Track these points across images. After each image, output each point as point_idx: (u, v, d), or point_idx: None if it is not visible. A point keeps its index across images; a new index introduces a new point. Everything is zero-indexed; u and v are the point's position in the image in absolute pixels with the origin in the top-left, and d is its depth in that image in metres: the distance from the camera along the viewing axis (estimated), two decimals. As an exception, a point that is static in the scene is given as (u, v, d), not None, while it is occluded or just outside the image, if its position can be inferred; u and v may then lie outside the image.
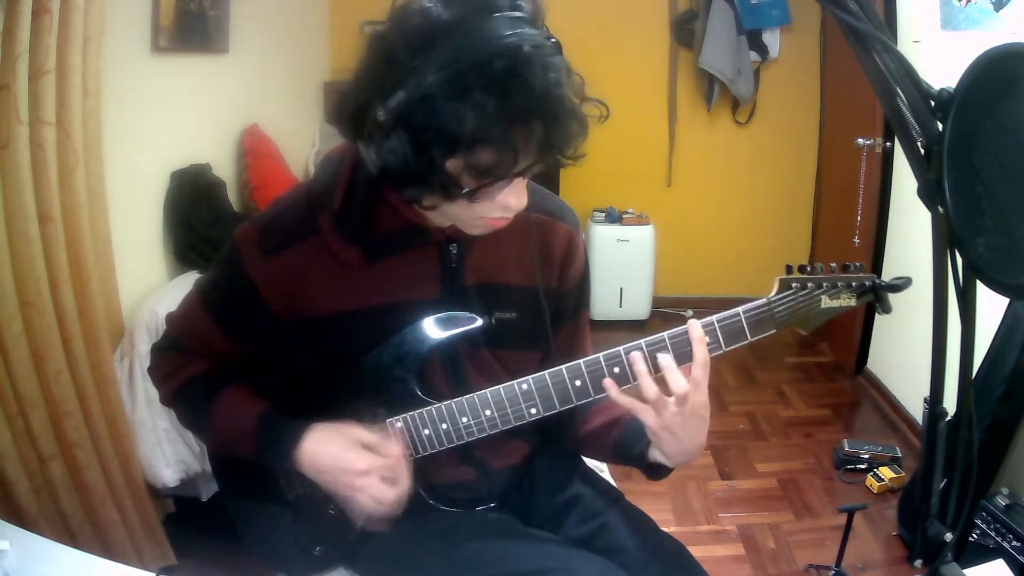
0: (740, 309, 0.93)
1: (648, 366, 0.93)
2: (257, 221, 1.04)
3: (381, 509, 1.00)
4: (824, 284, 0.93)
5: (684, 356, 0.93)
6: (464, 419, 1.01)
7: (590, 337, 1.21)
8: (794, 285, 0.93)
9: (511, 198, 0.89)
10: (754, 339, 0.94)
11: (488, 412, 1.00)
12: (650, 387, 0.92)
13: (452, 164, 0.81)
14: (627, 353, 0.94)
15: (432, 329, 1.01)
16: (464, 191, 0.83)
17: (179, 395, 1.11)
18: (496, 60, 0.76)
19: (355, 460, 0.99)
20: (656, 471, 1.05)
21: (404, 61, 0.79)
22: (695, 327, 0.92)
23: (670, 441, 0.96)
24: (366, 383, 1.03)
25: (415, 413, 1.02)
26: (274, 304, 1.02)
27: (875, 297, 0.94)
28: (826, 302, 0.94)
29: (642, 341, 0.94)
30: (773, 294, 0.94)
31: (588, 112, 0.86)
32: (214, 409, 1.06)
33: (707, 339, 0.92)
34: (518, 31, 0.78)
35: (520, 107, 0.78)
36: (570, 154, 0.87)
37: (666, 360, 0.92)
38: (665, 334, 0.93)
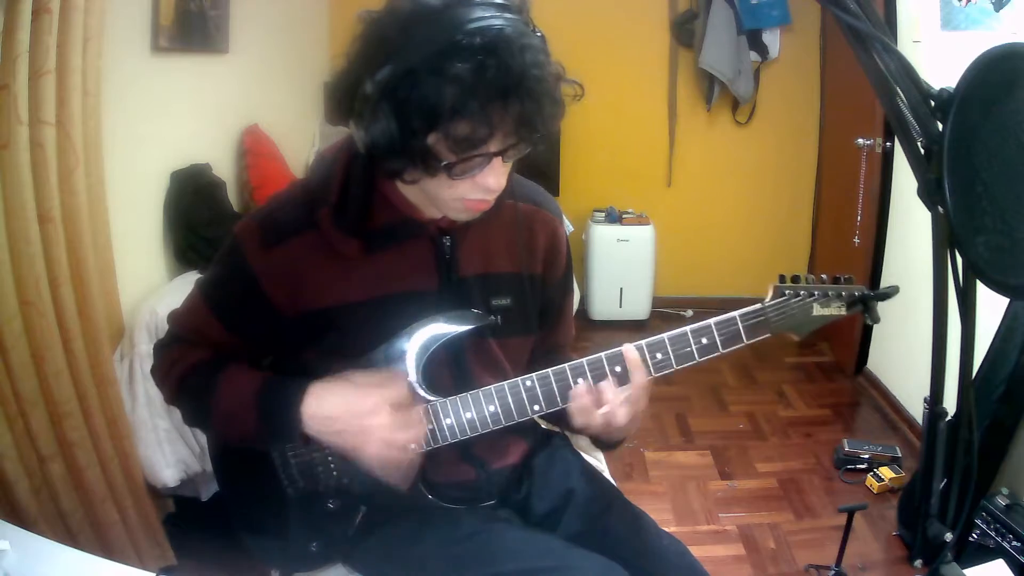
0: (736, 313, 0.97)
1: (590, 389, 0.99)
2: (256, 216, 1.05)
3: (395, 453, 0.99)
4: (816, 293, 0.98)
5: (626, 377, 0.98)
6: (468, 414, 1.02)
7: (573, 319, 1.29)
8: (787, 292, 0.97)
9: (490, 178, 0.91)
10: (750, 342, 0.98)
11: (492, 408, 1.02)
12: (596, 419, 0.98)
13: (432, 138, 0.85)
14: (575, 377, 0.99)
15: (437, 327, 1.02)
16: (443, 164, 0.87)
17: (181, 386, 1.10)
18: (476, 38, 0.81)
19: (362, 398, 0.99)
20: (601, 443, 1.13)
21: (393, 40, 0.83)
22: (630, 351, 0.97)
23: (606, 438, 1.06)
24: None
25: (418, 408, 1.03)
26: (275, 297, 1.02)
27: (864, 307, 0.98)
28: (817, 310, 0.98)
29: (583, 361, 0.99)
30: (768, 300, 0.97)
31: (565, 92, 0.91)
32: (216, 388, 1.05)
33: (703, 341, 0.97)
34: (501, 15, 0.84)
35: (497, 83, 0.82)
36: (546, 133, 0.90)
37: (606, 385, 0.98)
38: (603, 355, 0.99)
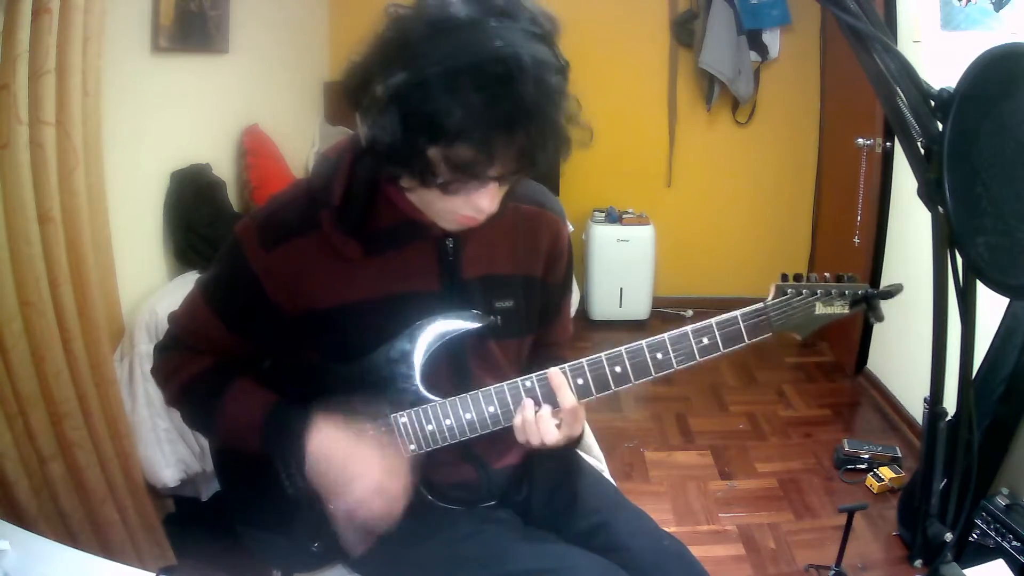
0: (738, 313, 0.96)
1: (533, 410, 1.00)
2: (257, 216, 1.05)
3: (372, 510, 1.01)
4: (818, 291, 0.97)
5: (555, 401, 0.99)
6: (468, 415, 1.02)
7: (570, 317, 1.29)
8: (789, 291, 0.97)
9: (483, 200, 0.91)
10: (751, 342, 0.97)
11: (491, 409, 1.01)
12: (535, 437, 1.00)
13: (433, 152, 0.84)
14: (575, 378, 1.00)
15: (438, 329, 1.02)
16: (438, 181, 0.86)
17: (184, 393, 1.11)
18: (494, 65, 0.79)
19: (362, 452, 1.00)
20: None
21: (412, 45, 0.82)
22: (555, 375, 0.99)
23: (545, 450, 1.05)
24: (371, 378, 1.04)
25: (419, 408, 1.03)
26: (276, 298, 1.02)
27: (867, 306, 0.98)
28: (820, 308, 0.97)
29: (519, 381, 1.01)
30: (769, 299, 0.97)
31: (573, 135, 0.90)
32: (221, 404, 1.06)
33: (704, 341, 0.97)
34: (525, 43, 0.81)
35: (506, 115, 0.80)
36: (548, 169, 0.90)
37: (544, 411, 0.99)
38: (533, 376, 1.00)
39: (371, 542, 1.05)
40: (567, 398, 0.98)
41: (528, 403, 0.99)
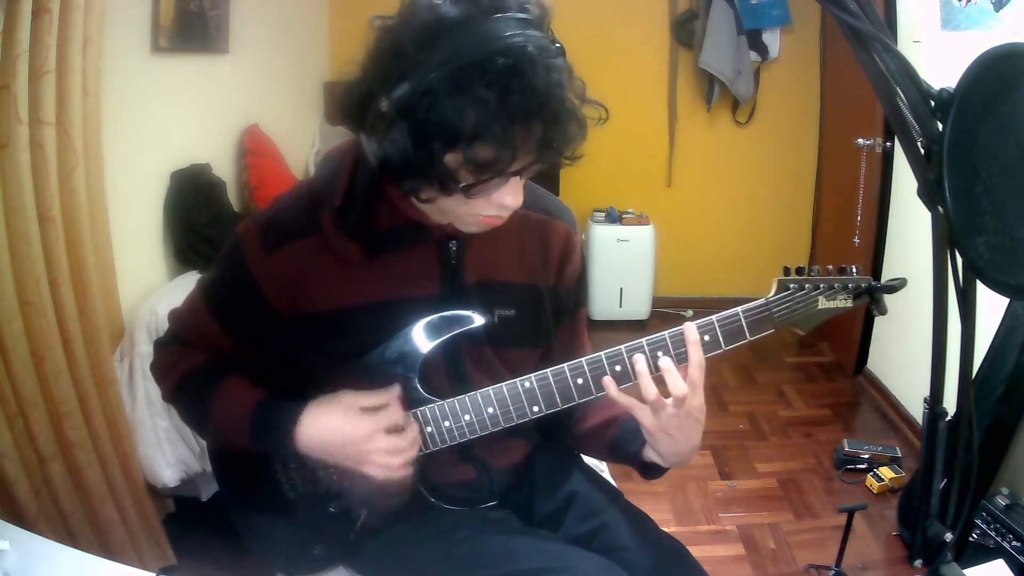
0: (739, 309, 0.95)
1: (649, 367, 0.94)
2: (259, 217, 1.04)
3: (392, 474, 0.99)
4: (821, 285, 0.95)
5: (683, 356, 0.94)
6: (467, 416, 1.01)
7: (587, 334, 1.23)
8: (792, 286, 0.95)
9: (507, 196, 0.89)
10: (753, 338, 0.95)
11: (491, 410, 1.01)
12: (650, 388, 0.93)
13: (451, 158, 0.82)
14: (629, 354, 0.95)
15: (435, 327, 1.01)
16: (461, 186, 0.84)
17: (180, 389, 1.11)
18: (499, 58, 0.78)
19: (357, 425, 0.99)
20: (651, 471, 1.07)
21: (409, 54, 0.80)
22: (690, 330, 0.93)
23: (665, 441, 0.98)
24: (369, 381, 1.03)
25: (417, 411, 1.03)
26: (275, 301, 1.02)
27: (871, 299, 0.96)
28: (823, 303, 0.96)
29: (643, 340, 0.95)
30: (772, 294, 0.95)
31: (588, 114, 0.87)
32: (213, 400, 1.06)
33: (706, 338, 0.94)
34: (523, 32, 0.80)
35: (521, 105, 0.79)
36: (568, 155, 0.88)
37: (666, 362, 0.93)
38: (666, 334, 0.95)
39: (407, 495, 1.03)
40: (697, 354, 0.92)
41: (639, 358, 0.93)
